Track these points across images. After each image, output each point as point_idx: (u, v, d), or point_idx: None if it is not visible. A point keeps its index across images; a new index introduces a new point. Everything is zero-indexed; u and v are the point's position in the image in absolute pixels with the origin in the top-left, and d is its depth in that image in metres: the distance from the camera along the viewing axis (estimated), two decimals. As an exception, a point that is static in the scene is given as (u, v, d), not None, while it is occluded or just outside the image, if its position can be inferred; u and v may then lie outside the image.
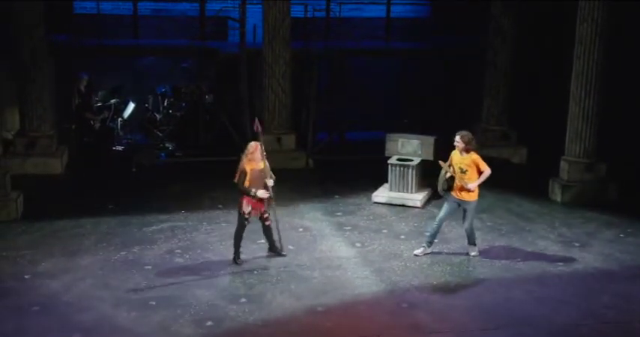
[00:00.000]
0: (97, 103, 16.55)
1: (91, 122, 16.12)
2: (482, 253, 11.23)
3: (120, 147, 16.42)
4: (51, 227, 11.99)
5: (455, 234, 11.81)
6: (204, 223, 12.28)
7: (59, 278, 10.18)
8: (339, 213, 12.95)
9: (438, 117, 17.04)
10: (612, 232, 12.30)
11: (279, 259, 10.89)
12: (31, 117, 14.76)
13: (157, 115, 16.80)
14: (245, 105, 16.15)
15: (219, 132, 16.60)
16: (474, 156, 10.72)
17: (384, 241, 11.72)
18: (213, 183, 13.63)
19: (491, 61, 16.31)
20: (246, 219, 10.56)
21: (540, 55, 16.87)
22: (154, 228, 12.04)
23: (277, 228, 10.95)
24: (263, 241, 11.04)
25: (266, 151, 10.62)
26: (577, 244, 11.78)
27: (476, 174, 10.70)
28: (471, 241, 11.16)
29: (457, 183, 10.73)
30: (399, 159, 13.60)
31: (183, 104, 16.90)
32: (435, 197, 13.00)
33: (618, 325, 9.34)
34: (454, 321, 9.33)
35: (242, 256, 10.75)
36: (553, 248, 11.62)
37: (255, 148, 10.44)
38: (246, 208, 10.50)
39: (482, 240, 11.62)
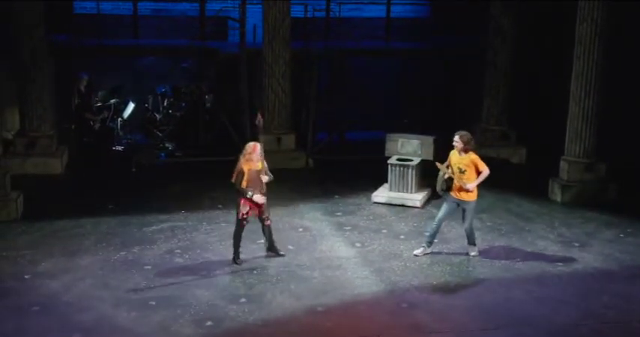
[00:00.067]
0: (96, 103, 16.54)
1: (91, 122, 16.11)
2: (482, 253, 11.24)
3: (120, 147, 16.41)
4: (51, 227, 12.00)
5: (454, 234, 11.81)
6: (204, 223, 12.29)
7: (59, 278, 10.19)
8: (338, 213, 12.95)
9: (438, 117, 17.05)
10: (612, 232, 12.31)
11: (279, 259, 10.89)
12: (31, 117, 14.77)
13: (157, 115, 16.80)
14: (245, 105, 16.16)
15: (219, 132, 16.60)
16: (473, 156, 10.73)
17: (384, 241, 11.73)
18: (213, 183, 13.62)
19: (491, 61, 16.31)
20: (245, 219, 10.56)
21: (540, 55, 16.88)
22: (154, 228, 12.05)
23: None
24: (263, 241, 11.04)
25: (265, 151, 10.61)
26: (577, 244, 11.78)
27: (474, 174, 10.71)
28: (471, 241, 11.17)
29: (456, 183, 10.74)
30: (398, 159, 13.60)
31: (183, 104, 16.90)
32: (434, 197, 13.00)
33: (618, 325, 9.34)
34: (454, 321, 9.34)
35: (242, 256, 10.76)
36: (553, 248, 11.63)
37: (253, 148, 10.41)
38: (244, 208, 10.50)
39: (482, 240, 11.62)
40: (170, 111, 16.77)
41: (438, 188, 11.00)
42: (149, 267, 10.58)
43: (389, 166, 13.56)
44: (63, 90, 16.10)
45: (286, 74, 15.39)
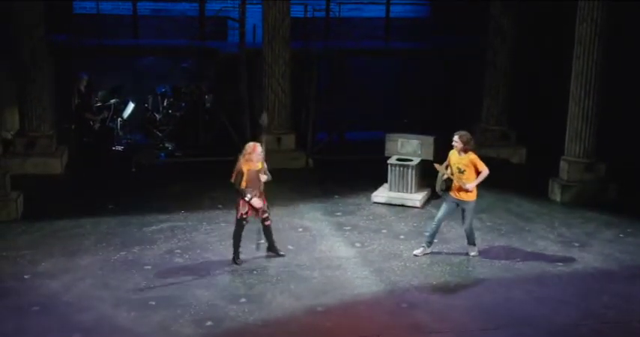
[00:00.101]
0: (96, 103, 16.54)
1: (91, 122, 16.11)
2: (482, 253, 11.24)
3: (120, 147, 16.41)
4: (51, 227, 11.99)
5: (454, 234, 11.82)
6: (204, 223, 12.28)
7: (59, 278, 10.19)
8: (338, 213, 12.95)
9: (438, 117, 17.04)
10: (612, 232, 12.31)
11: (279, 259, 10.89)
12: (31, 117, 14.76)
13: (157, 115, 16.80)
14: (245, 105, 16.15)
15: (218, 132, 16.59)
16: (472, 156, 10.72)
17: (384, 241, 11.73)
18: (213, 183, 13.62)
19: (491, 61, 16.31)
20: (244, 219, 10.56)
21: (540, 55, 16.88)
22: (154, 228, 12.04)
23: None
24: (263, 241, 11.04)
25: (266, 151, 10.60)
26: (577, 244, 11.78)
27: (474, 174, 10.71)
28: (471, 241, 11.17)
29: (455, 183, 10.74)
30: (398, 159, 13.60)
31: (183, 104, 16.90)
32: (434, 197, 13.00)
33: (618, 325, 9.34)
34: (454, 321, 9.34)
35: (242, 256, 10.75)
36: (553, 248, 11.63)
37: (252, 149, 10.40)
38: (243, 209, 10.49)
39: (482, 240, 11.62)
40: (170, 111, 16.77)
41: (438, 188, 11.00)
42: (149, 267, 10.58)
43: (389, 166, 13.56)
44: (63, 90, 16.10)
45: (286, 74, 15.39)
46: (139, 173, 14.99)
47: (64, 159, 15.16)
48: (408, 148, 13.66)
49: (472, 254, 11.17)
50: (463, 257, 11.12)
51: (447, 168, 10.83)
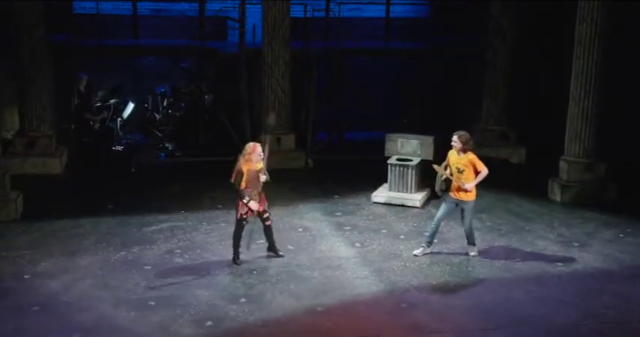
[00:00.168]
0: (96, 103, 16.55)
1: (91, 122, 16.12)
2: (482, 253, 11.24)
3: (119, 147, 16.41)
4: (50, 227, 11.99)
5: (454, 234, 11.81)
6: (204, 223, 12.28)
7: (59, 278, 10.19)
8: (338, 213, 12.95)
9: (438, 117, 17.03)
10: (612, 232, 12.31)
11: (279, 259, 10.89)
12: (31, 117, 14.76)
13: (157, 115, 16.80)
14: (245, 106, 16.15)
15: (218, 132, 16.60)
16: (471, 156, 10.73)
17: (384, 241, 11.73)
18: (213, 183, 13.61)
19: (491, 61, 16.31)
20: (244, 220, 10.56)
21: (540, 55, 16.87)
22: (154, 228, 12.04)
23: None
24: (263, 241, 11.04)
25: (269, 151, 10.61)
26: (576, 244, 11.78)
27: (473, 174, 10.71)
28: (471, 241, 11.17)
29: (454, 183, 10.74)
30: (398, 159, 13.60)
31: (183, 104, 16.90)
32: (434, 197, 12.99)
33: (618, 325, 9.34)
34: (454, 321, 9.34)
35: (242, 256, 10.75)
36: (552, 248, 11.63)
37: (252, 149, 10.40)
38: (243, 209, 10.48)
39: (482, 240, 11.62)
40: (170, 111, 16.77)
41: (437, 188, 11.00)
42: (149, 267, 10.58)
43: (389, 166, 13.56)
44: (63, 90, 16.10)
45: (286, 74, 15.39)
46: (138, 173, 14.99)
47: (63, 159, 15.16)
48: (407, 148, 13.66)
49: (472, 254, 11.17)
50: (463, 257, 11.12)
51: (446, 168, 10.83)
